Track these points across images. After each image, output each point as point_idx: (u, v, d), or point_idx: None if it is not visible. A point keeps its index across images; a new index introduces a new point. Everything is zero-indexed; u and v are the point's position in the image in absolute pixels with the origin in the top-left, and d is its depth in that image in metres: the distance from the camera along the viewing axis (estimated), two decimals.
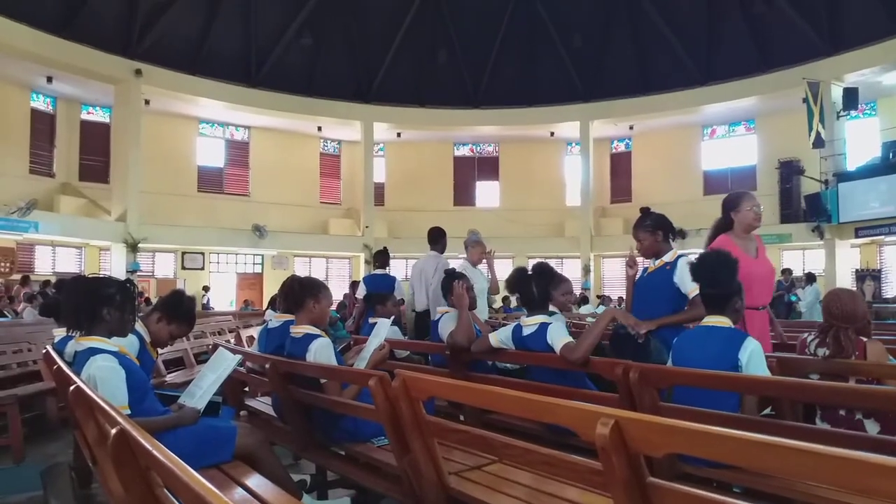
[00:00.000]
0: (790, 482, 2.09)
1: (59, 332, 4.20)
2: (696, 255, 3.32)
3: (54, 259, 17.71)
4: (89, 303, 2.83)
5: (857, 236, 16.43)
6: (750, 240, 3.87)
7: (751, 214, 3.81)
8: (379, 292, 5.42)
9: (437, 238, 6.82)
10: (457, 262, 6.56)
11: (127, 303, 2.91)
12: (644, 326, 3.39)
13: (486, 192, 24.09)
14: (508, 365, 4.15)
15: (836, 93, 16.73)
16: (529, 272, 3.71)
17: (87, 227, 17.26)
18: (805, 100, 16.63)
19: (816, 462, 1.16)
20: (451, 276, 4.33)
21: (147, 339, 3.60)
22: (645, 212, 3.98)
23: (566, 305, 4.62)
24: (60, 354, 3.35)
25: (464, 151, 24.24)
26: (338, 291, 15.70)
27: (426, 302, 6.41)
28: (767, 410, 2.89)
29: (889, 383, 2.64)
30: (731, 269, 2.98)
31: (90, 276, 3.88)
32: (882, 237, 16.42)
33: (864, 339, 2.81)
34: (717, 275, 2.96)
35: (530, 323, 3.54)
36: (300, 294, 3.50)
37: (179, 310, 3.62)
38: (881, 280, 17.09)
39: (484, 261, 6.33)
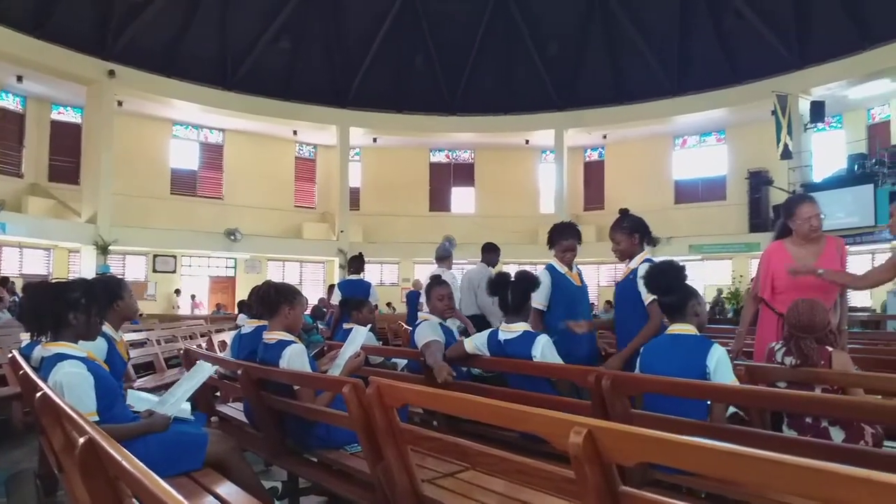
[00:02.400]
0: (759, 489, 2.12)
1: (27, 337, 4.11)
2: (647, 266, 3.38)
3: (21, 261, 17.32)
4: (54, 308, 2.77)
5: (846, 249, 16.72)
6: (813, 246, 3.67)
7: (805, 227, 3.64)
8: (355, 298, 5.40)
9: (489, 250, 7.14)
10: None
11: (93, 306, 2.86)
12: (613, 366, 3.47)
13: (462, 199, 24.14)
14: (483, 371, 4.15)
15: (804, 106, 17.14)
16: (512, 278, 3.75)
17: (56, 229, 16.90)
18: (774, 112, 17.00)
19: (784, 472, 1.18)
20: (432, 283, 4.33)
21: (116, 339, 3.54)
22: (623, 213, 4.00)
23: None
24: (27, 359, 3.28)
25: (440, 157, 24.29)
26: (312, 296, 15.62)
27: (474, 308, 6.61)
28: (732, 409, 2.93)
29: (853, 392, 2.70)
30: (678, 275, 3.05)
31: (54, 280, 3.79)
32: (847, 247, 16.72)
33: (830, 349, 2.87)
34: (666, 283, 3.05)
35: (511, 329, 3.56)
36: (275, 300, 3.47)
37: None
38: (846, 289, 17.46)
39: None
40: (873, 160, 16.14)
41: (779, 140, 16.98)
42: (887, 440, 2.72)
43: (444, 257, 6.98)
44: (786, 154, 17.03)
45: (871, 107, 18.12)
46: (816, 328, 2.88)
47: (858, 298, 17.39)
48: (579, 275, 4.36)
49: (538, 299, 4.06)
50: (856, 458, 2.10)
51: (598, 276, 22.83)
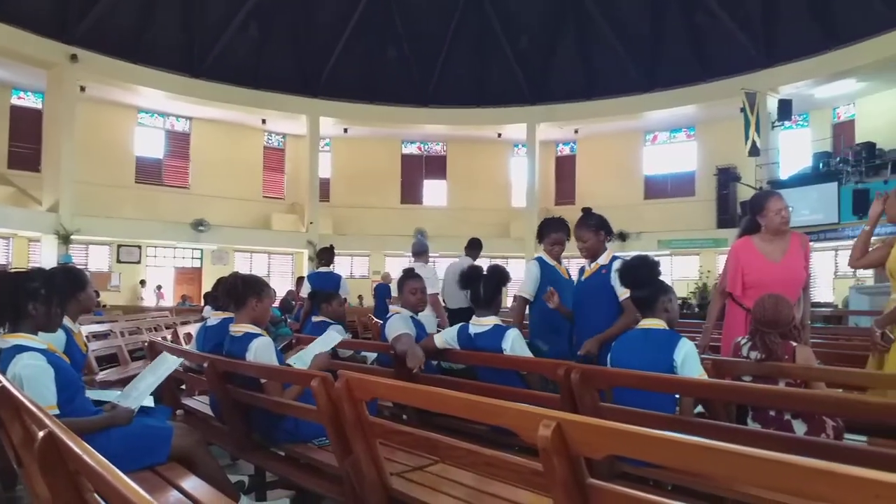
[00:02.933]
0: (725, 481, 2.15)
1: None
2: (621, 261, 3.44)
3: None
4: (12, 298, 2.70)
5: (810, 245, 17.08)
6: (780, 242, 3.72)
7: (777, 219, 3.67)
8: (324, 290, 5.35)
9: (473, 246, 7.45)
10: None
11: (53, 297, 2.79)
12: (589, 347, 3.50)
13: (434, 191, 24.12)
14: (454, 365, 4.16)
15: (772, 104, 17.46)
16: (484, 272, 3.76)
17: (16, 217, 16.44)
18: (742, 109, 17.25)
19: (748, 464, 1.20)
20: (404, 277, 4.31)
21: (74, 331, 3.46)
22: (587, 211, 4.06)
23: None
24: None
25: (412, 149, 24.21)
26: (280, 288, 15.47)
27: (463, 301, 6.51)
28: (699, 409, 2.98)
29: (815, 386, 2.76)
30: (651, 270, 3.12)
31: (13, 270, 3.69)
32: (812, 243, 17.10)
33: (794, 344, 2.93)
34: (639, 278, 3.12)
35: (482, 323, 3.57)
36: (242, 292, 3.42)
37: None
38: (810, 285, 17.84)
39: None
40: (838, 158, 16.50)
41: (747, 137, 17.26)
42: (847, 433, 2.79)
43: (421, 252, 6.96)
44: (754, 151, 17.32)
45: (837, 106, 18.52)
46: (781, 323, 2.93)
47: (821, 294, 17.83)
48: (567, 270, 4.44)
49: (526, 289, 4.15)
50: (817, 450, 2.14)
51: (569, 270, 23.02)
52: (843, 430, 2.74)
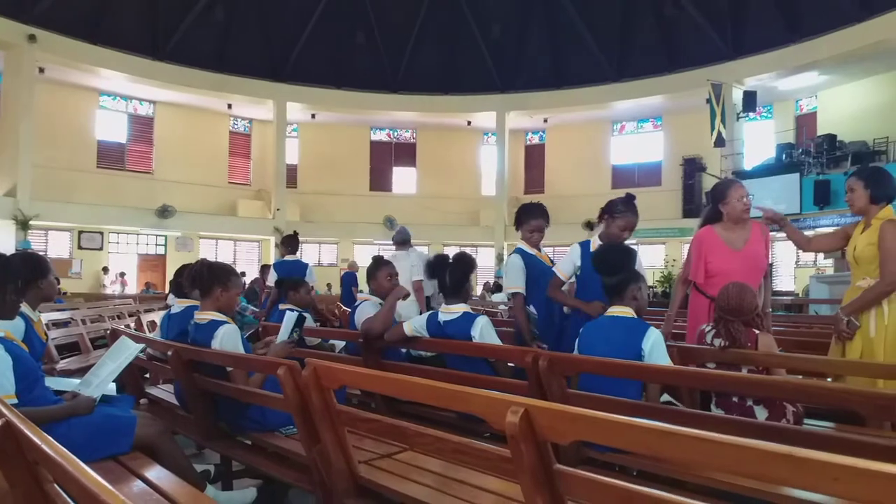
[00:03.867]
0: (689, 466, 2.19)
1: None
2: (597, 247, 3.45)
3: None
4: None
5: (769, 233, 17.44)
6: (741, 230, 3.76)
7: (739, 206, 3.70)
8: (291, 278, 5.30)
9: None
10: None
11: (8, 283, 2.71)
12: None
13: (403, 179, 24.05)
14: (423, 353, 4.16)
15: (737, 95, 17.75)
16: (450, 260, 3.75)
17: None
18: (708, 100, 17.51)
19: (712, 449, 1.22)
20: (377, 263, 4.28)
21: (34, 319, 3.37)
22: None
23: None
24: None
25: (381, 136, 24.07)
26: (247, 275, 15.27)
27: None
28: (665, 397, 3.02)
29: (776, 373, 2.82)
30: (624, 258, 3.14)
31: None
32: (774, 233, 17.46)
33: (756, 332, 2.99)
34: (612, 264, 3.13)
35: (450, 311, 3.58)
36: (208, 280, 3.35)
37: None
38: (772, 274, 18.23)
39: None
40: (800, 150, 16.87)
41: (713, 128, 17.54)
42: (807, 418, 2.86)
43: (405, 240, 6.88)
44: (719, 142, 17.61)
45: (800, 98, 18.91)
46: (745, 311, 2.98)
47: (783, 283, 18.25)
48: (550, 256, 4.32)
49: (515, 283, 4.01)
50: (778, 435, 2.19)
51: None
52: (802, 415, 2.81)
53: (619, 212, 3.79)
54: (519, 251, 4.19)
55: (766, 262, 3.81)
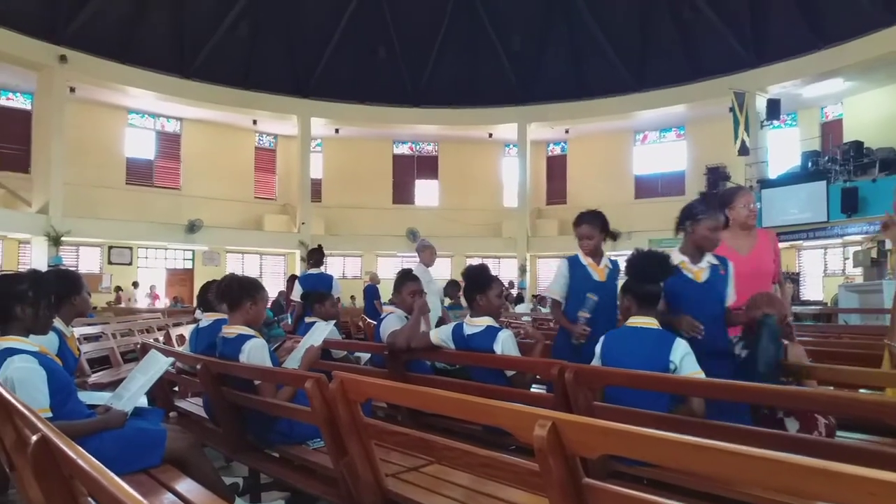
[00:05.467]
0: (719, 480, 2.16)
1: None
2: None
3: None
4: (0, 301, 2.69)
5: (778, 241, 17.22)
6: (747, 237, 3.77)
7: (744, 212, 3.72)
8: (316, 291, 5.34)
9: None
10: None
11: (42, 299, 2.78)
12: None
13: (426, 191, 24.11)
14: (448, 365, 4.16)
15: (761, 103, 17.55)
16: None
17: (6, 219, 16.31)
18: (731, 109, 17.35)
19: (743, 463, 1.21)
20: (403, 278, 4.30)
21: (67, 334, 3.44)
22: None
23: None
24: None
25: (403, 150, 24.19)
26: (272, 289, 15.41)
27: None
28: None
29: (807, 384, 2.77)
30: (664, 266, 3.02)
31: (2, 273, 3.65)
32: (801, 242, 17.25)
33: (786, 342, 2.95)
34: (649, 273, 3.00)
35: (475, 324, 3.57)
36: (238, 294, 3.40)
37: None
38: (799, 283, 17.96)
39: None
40: (826, 157, 16.61)
41: (736, 136, 17.36)
42: (839, 430, 2.81)
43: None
44: (743, 150, 17.42)
45: (825, 105, 18.63)
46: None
47: (811, 293, 17.94)
48: (610, 269, 3.97)
49: (551, 289, 3.95)
50: (810, 448, 2.15)
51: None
52: (834, 427, 2.76)
53: (702, 214, 3.36)
54: (571, 259, 4.00)
55: (773, 267, 3.82)
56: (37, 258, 16.24)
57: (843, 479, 1.06)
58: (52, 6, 16.39)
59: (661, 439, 1.34)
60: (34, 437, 1.65)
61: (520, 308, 16.46)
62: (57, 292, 3.22)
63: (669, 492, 2.38)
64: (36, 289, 2.77)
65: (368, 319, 8.32)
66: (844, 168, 15.89)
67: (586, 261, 3.93)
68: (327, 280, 7.14)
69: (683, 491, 2.29)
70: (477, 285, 3.66)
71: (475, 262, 5.18)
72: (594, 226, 3.92)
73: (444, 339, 3.69)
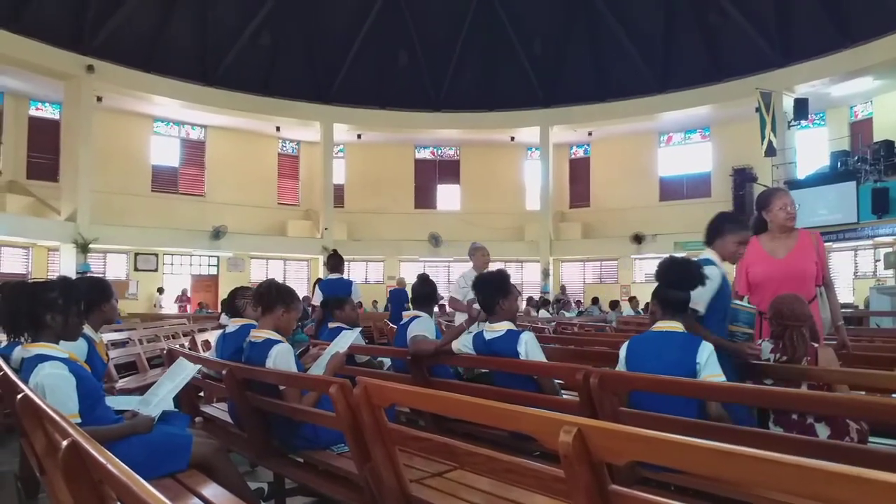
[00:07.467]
0: (747, 486, 2.13)
1: (6, 338, 4.03)
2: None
3: None
4: (29, 308, 2.72)
5: (822, 242, 16.91)
6: (786, 239, 3.67)
7: (782, 214, 3.64)
8: (336, 296, 5.35)
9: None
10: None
11: (72, 306, 2.82)
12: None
13: (448, 196, 24.13)
14: (472, 370, 4.14)
15: (788, 103, 17.29)
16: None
17: (35, 227, 16.69)
18: (758, 109, 17.12)
19: (772, 469, 1.19)
20: (423, 282, 4.30)
21: (96, 340, 3.49)
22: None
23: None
24: (7, 360, 3.22)
25: (425, 154, 24.25)
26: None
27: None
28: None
29: (838, 388, 2.72)
30: (695, 273, 2.92)
31: (31, 280, 3.73)
32: (830, 243, 16.98)
33: (816, 346, 2.89)
34: (683, 278, 2.92)
35: (495, 329, 3.57)
36: (274, 299, 3.44)
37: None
38: (830, 283, 17.63)
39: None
40: (856, 157, 16.32)
41: (763, 137, 17.12)
42: (872, 436, 2.75)
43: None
44: (770, 151, 17.18)
45: (854, 104, 18.32)
46: (806, 316, 2.89)
47: (841, 295, 17.60)
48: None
49: (697, 299, 3.14)
50: (841, 454, 2.11)
51: (584, 273, 22.94)
52: (867, 433, 2.70)
53: (730, 228, 3.27)
54: (722, 272, 3.24)
55: (813, 270, 3.67)
56: (65, 265, 16.54)
57: (876, 486, 1.03)
58: (78, 17, 16.74)
59: (689, 445, 1.32)
60: (64, 443, 1.67)
61: (542, 313, 16.33)
62: (87, 299, 3.27)
63: (698, 499, 2.35)
64: (66, 296, 2.81)
65: (391, 325, 8.31)
66: (875, 168, 15.60)
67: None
68: (346, 285, 7.15)
69: (712, 498, 2.26)
70: (500, 291, 3.66)
71: (498, 266, 5.13)
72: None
73: (464, 346, 3.69)
